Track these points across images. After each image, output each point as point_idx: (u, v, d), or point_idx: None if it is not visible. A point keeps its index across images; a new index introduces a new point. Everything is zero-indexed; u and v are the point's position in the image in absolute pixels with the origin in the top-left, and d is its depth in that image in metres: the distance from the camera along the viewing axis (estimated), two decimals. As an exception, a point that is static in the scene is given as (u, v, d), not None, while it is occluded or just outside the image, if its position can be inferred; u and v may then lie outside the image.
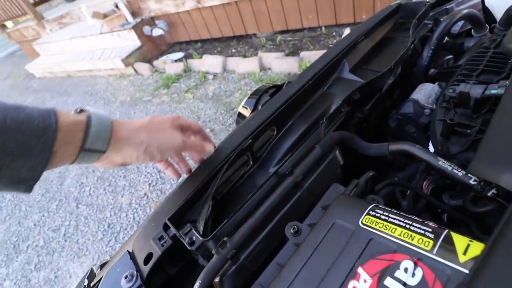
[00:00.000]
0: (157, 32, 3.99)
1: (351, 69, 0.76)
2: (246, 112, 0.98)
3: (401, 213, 0.35)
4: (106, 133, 0.43)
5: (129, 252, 0.55)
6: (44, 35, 5.28)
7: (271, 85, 0.92)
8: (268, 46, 3.54)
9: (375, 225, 0.34)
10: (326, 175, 0.53)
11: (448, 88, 0.60)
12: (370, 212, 0.35)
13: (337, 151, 0.55)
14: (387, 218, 0.34)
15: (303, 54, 3.03)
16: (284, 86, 0.88)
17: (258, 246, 0.45)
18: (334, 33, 3.26)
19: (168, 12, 3.93)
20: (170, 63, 3.79)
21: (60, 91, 4.44)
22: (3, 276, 2.04)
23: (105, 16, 4.10)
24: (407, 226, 0.32)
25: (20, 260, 2.11)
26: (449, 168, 0.44)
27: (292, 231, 0.42)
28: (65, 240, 2.12)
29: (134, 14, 4.07)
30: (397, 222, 0.33)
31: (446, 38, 0.89)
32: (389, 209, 0.36)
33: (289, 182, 0.49)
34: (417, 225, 0.32)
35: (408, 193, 0.62)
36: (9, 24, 5.91)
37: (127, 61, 3.95)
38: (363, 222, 0.35)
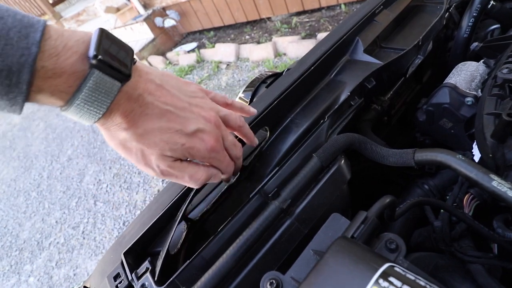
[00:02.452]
0: (169, 23, 3.89)
1: (367, 48, 0.60)
2: (244, 106, 0.85)
3: (433, 287, 0.21)
4: (126, 51, 0.30)
5: (85, 289, 0.45)
6: (63, 33, 5.38)
7: (270, 73, 0.78)
8: (283, 29, 3.33)
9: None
10: (326, 195, 0.39)
11: (501, 67, 0.43)
12: (381, 281, 0.22)
13: (342, 161, 0.41)
14: (409, 297, 0.20)
15: (320, 35, 2.80)
16: (283, 74, 0.74)
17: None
18: (355, 10, 2.98)
19: (179, 1, 3.81)
20: (183, 55, 3.70)
21: (80, 88, 4.52)
22: (28, 272, 2.12)
23: (118, 10, 4.06)
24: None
25: (43, 257, 2.17)
26: (510, 194, 0.29)
27: (269, 286, 0.29)
28: (84, 238, 2.15)
29: (145, 6, 4.00)
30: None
31: (492, 2, 0.69)
32: (414, 276, 0.22)
33: (274, 208, 0.36)
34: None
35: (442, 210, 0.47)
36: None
37: (141, 55, 3.90)
38: (369, 300, 0.21)
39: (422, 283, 0.21)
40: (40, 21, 0.26)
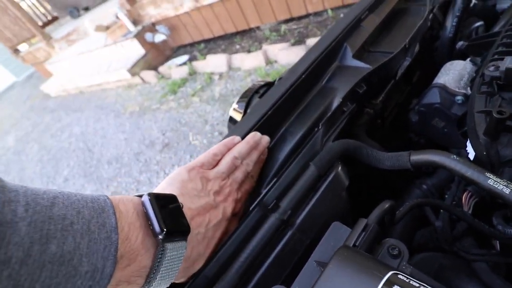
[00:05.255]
0: (159, 37, 3.93)
1: (355, 53, 0.60)
2: (238, 116, 0.85)
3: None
4: (175, 203, 0.29)
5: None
6: (54, 54, 5.40)
7: (262, 83, 0.79)
8: (273, 37, 3.37)
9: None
10: (325, 203, 0.39)
11: (487, 64, 0.44)
12: (386, 290, 0.22)
13: (339, 168, 0.41)
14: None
15: (309, 41, 2.84)
16: (275, 84, 0.74)
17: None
18: (342, 16, 3.03)
19: (168, 16, 3.85)
20: (175, 68, 3.72)
21: (74, 108, 4.52)
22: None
23: (107, 28, 4.09)
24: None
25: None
26: (506, 191, 0.29)
27: (275, 302, 0.29)
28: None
29: (135, 22, 4.03)
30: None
31: (474, 1, 0.71)
32: (418, 283, 0.22)
33: (274, 220, 0.36)
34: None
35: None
36: (24, 47, 6.12)
37: (133, 70, 3.92)
38: (375, 311, 0.21)
39: (427, 286, 0.21)
40: (106, 200, 0.25)
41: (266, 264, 0.35)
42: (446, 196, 0.49)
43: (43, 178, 3.26)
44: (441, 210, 0.46)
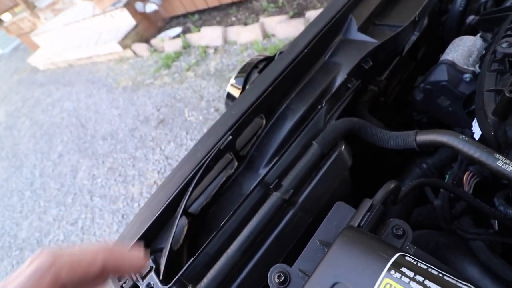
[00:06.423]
0: (150, 7, 3.73)
1: (361, 26, 0.58)
2: (236, 92, 0.83)
3: (446, 275, 0.21)
4: None
5: None
6: (39, 25, 5.13)
7: (261, 57, 0.76)
8: (271, 9, 3.23)
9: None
10: (328, 183, 0.38)
11: (500, 41, 0.42)
12: (392, 272, 0.21)
13: (342, 147, 0.40)
14: (420, 285, 0.20)
15: (309, 14, 2.73)
16: (275, 58, 0.71)
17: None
18: (342, -14, 2.89)
19: (160, -16, 3.64)
20: (168, 41, 3.58)
21: (64, 82, 4.38)
22: (30, 271, 2.12)
23: (95, -4, 3.87)
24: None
25: (43, 255, 2.17)
26: (517, 172, 0.28)
27: (277, 279, 0.29)
28: (83, 233, 2.15)
29: (124, -10, 3.81)
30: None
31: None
32: (425, 265, 0.22)
33: (276, 199, 0.36)
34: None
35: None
36: (7, 16, 5.78)
37: (124, 43, 3.77)
38: (382, 292, 0.21)
39: (435, 272, 0.21)
40: None
41: (267, 242, 0.35)
42: (447, 175, 0.49)
43: (37, 154, 3.22)
44: (441, 190, 0.46)
